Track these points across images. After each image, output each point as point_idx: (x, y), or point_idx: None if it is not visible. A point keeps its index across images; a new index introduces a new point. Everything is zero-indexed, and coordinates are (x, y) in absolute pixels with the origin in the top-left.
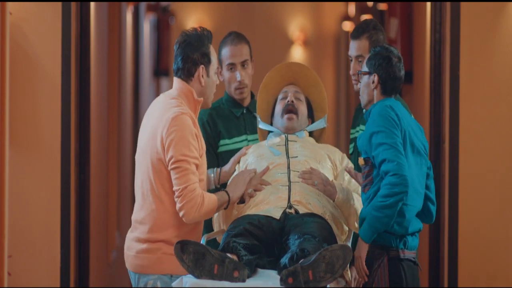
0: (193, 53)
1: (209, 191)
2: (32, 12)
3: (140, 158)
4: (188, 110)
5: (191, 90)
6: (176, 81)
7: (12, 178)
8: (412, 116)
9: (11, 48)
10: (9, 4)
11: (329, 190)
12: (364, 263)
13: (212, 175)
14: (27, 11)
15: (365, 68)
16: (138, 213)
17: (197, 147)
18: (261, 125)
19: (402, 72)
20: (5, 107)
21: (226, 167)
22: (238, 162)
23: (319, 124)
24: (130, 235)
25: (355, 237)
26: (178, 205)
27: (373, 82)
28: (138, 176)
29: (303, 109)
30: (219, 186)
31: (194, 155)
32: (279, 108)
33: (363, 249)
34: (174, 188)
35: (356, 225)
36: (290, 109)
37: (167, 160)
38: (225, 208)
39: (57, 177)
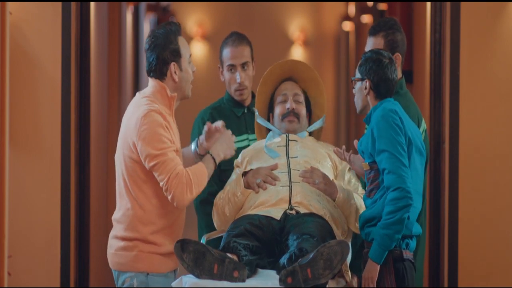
0: (162, 53)
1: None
2: (32, 12)
3: (116, 157)
4: (158, 106)
5: (164, 87)
6: (150, 80)
7: (12, 178)
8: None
9: (11, 48)
10: (9, 4)
11: (329, 190)
12: (375, 284)
13: (194, 148)
14: (27, 11)
15: (357, 74)
16: (116, 212)
17: (170, 138)
18: (259, 120)
19: (395, 74)
20: (5, 107)
21: (202, 137)
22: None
23: (317, 124)
24: (111, 234)
25: (355, 238)
26: (169, 197)
27: (365, 88)
28: (116, 175)
29: (303, 111)
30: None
31: (169, 145)
32: (278, 111)
33: (374, 270)
34: (160, 184)
35: (356, 224)
36: (291, 116)
37: (143, 159)
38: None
39: (57, 177)
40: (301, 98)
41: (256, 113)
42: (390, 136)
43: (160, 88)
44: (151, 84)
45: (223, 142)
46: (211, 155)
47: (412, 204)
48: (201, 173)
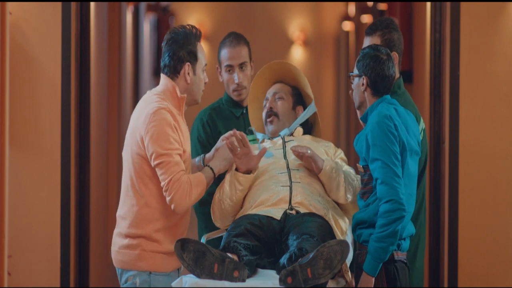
0: (179, 50)
1: None
2: (32, 12)
3: (124, 153)
4: (168, 105)
5: (175, 87)
6: (162, 77)
7: (12, 178)
8: (411, 109)
9: (11, 48)
10: (9, 4)
11: (319, 160)
12: None
13: (199, 160)
14: (27, 11)
15: (355, 70)
16: (121, 208)
17: (178, 139)
18: (258, 135)
19: (392, 70)
20: (5, 107)
21: (209, 154)
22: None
23: (307, 112)
24: (115, 231)
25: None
26: (167, 199)
27: (362, 84)
28: (123, 171)
29: (283, 107)
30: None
31: (175, 146)
32: (264, 115)
33: (369, 283)
34: (161, 184)
35: (346, 196)
36: (269, 115)
37: (149, 156)
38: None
39: (57, 177)
40: (283, 94)
41: (253, 129)
42: (384, 145)
43: (171, 87)
44: (163, 82)
45: (222, 156)
46: (210, 167)
47: (405, 215)
48: (201, 183)
